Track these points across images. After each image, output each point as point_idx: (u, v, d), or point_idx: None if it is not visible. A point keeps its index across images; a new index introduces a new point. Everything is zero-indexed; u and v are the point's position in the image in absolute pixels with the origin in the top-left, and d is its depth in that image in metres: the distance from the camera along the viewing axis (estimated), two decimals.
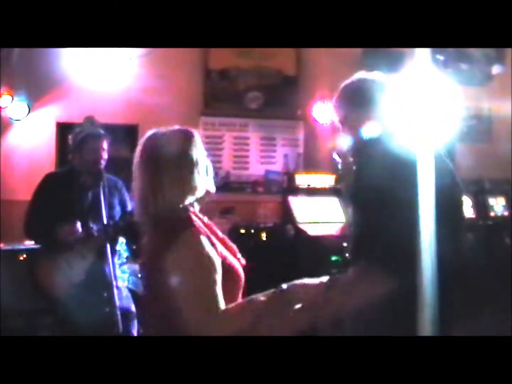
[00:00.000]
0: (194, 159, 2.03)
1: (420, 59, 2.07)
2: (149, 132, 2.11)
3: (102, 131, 3.72)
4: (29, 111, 6.55)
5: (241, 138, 7.13)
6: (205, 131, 7.04)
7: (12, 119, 6.53)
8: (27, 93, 6.46)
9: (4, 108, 6.39)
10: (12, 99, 6.33)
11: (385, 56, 6.80)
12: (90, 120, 3.76)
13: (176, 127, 2.12)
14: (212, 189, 2.14)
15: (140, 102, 6.83)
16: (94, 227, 3.56)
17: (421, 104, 2.28)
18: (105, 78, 6.81)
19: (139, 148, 2.09)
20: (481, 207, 7.13)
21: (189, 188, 2.02)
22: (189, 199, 2.03)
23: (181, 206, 2.00)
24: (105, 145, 3.68)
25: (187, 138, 2.07)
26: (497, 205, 7.33)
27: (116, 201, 3.75)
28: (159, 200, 1.98)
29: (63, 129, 6.71)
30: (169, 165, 1.99)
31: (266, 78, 7.15)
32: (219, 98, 7.08)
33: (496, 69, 7.90)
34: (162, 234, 1.98)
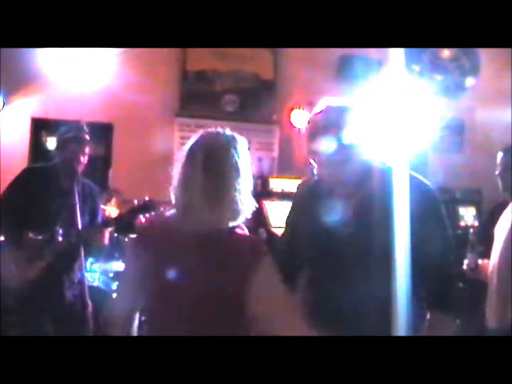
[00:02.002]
0: None
1: (396, 68, 2.10)
2: None
3: (87, 138, 3.67)
4: (3, 105, 6.48)
5: None
6: (180, 132, 7.03)
7: None
8: (2, 87, 6.40)
9: None
10: None
11: (361, 63, 6.87)
12: (79, 124, 3.73)
13: None
14: None
15: (115, 100, 6.80)
16: (61, 230, 3.48)
17: (395, 113, 2.30)
18: (81, 75, 6.76)
19: None
20: (451, 216, 7.20)
21: None
22: None
23: None
24: (86, 150, 3.64)
25: None
26: (467, 215, 7.42)
27: (87, 208, 3.68)
28: None
29: (37, 124, 6.66)
30: None
31: (243, 82, 7.17)
32: (195, 100, 7.08)
33: (469, 81, 8.02)
34: None
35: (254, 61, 7.14)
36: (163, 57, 6.76)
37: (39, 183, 3.60)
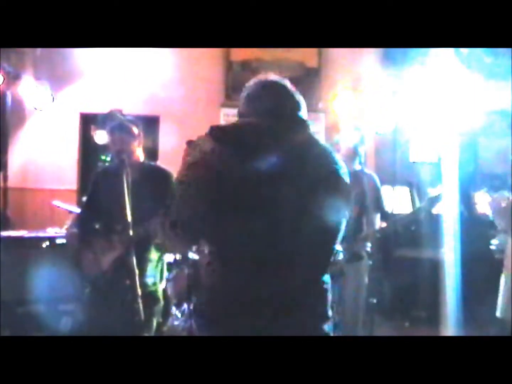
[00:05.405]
0: None
1: (444, 52, 2.06)
2: None
3: (125, 122, 3.66)
4: (52, 101, 6.60)
5: None
6: (226, 123, 7.05)
7: (35, 108, 6.59)
8: (51, 83, 6.52)
9: (27, 96, 6.44)
10: (36, 87, 6.38)
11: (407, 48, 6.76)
12: (114, 113, 3.75)
13: None
14: None
15: (161, 93, 6.86)
16: (116, 225, 3.53)
17: (443, 98, 2.26)
18: (127, 69, 6.84)
19: None
20: None
21: None
22: None
23: None
24: (129, 134, 3.63)
25: None
26: None
27: (150, 194, 3.56)
28: None
29: (86, 120, 6.77)
30: None
31: (287, 70, 7.12)
32: (241, 90, 7.04)
33: None
34: None
35: (298, 49, 7.09)
36: (208, 48, 6.77)
37: (106, 180, 3.68)
